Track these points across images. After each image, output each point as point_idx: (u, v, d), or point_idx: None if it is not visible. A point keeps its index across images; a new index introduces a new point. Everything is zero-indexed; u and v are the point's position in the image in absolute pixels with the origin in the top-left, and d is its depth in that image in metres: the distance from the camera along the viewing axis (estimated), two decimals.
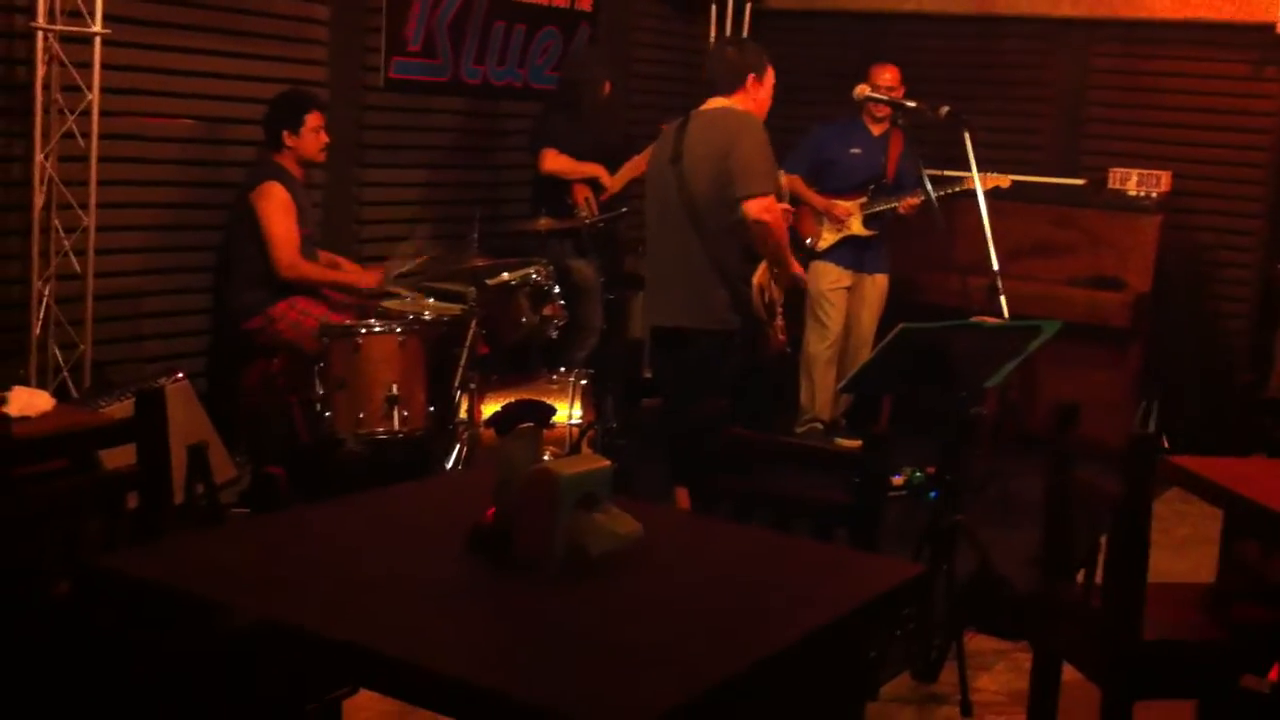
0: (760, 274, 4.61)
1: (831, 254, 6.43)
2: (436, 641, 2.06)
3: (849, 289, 6.47)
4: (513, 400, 2.50)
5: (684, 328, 4.64)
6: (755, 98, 4.70)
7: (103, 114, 4.84)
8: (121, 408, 4.35)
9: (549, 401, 4.98)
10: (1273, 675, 2.45)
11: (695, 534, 2.73)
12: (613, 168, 6.22)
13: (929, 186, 5.34)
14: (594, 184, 6.17)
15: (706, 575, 2.42)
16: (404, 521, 2.62)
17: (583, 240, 6.06)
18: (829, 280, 6.41)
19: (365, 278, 5.37)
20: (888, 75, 6.29)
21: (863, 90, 5.79)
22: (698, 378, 4.66)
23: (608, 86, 6.31)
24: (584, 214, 5.98)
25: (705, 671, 1.98)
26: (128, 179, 5.16)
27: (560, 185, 6.12)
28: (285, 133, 5.17)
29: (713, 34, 7.73)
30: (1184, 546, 5.07)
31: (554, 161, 6.06)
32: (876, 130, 6.43)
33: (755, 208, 4.47)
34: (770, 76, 4.73)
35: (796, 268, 4.84)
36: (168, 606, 2.24)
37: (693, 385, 4.67)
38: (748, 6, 7.79)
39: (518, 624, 2.16)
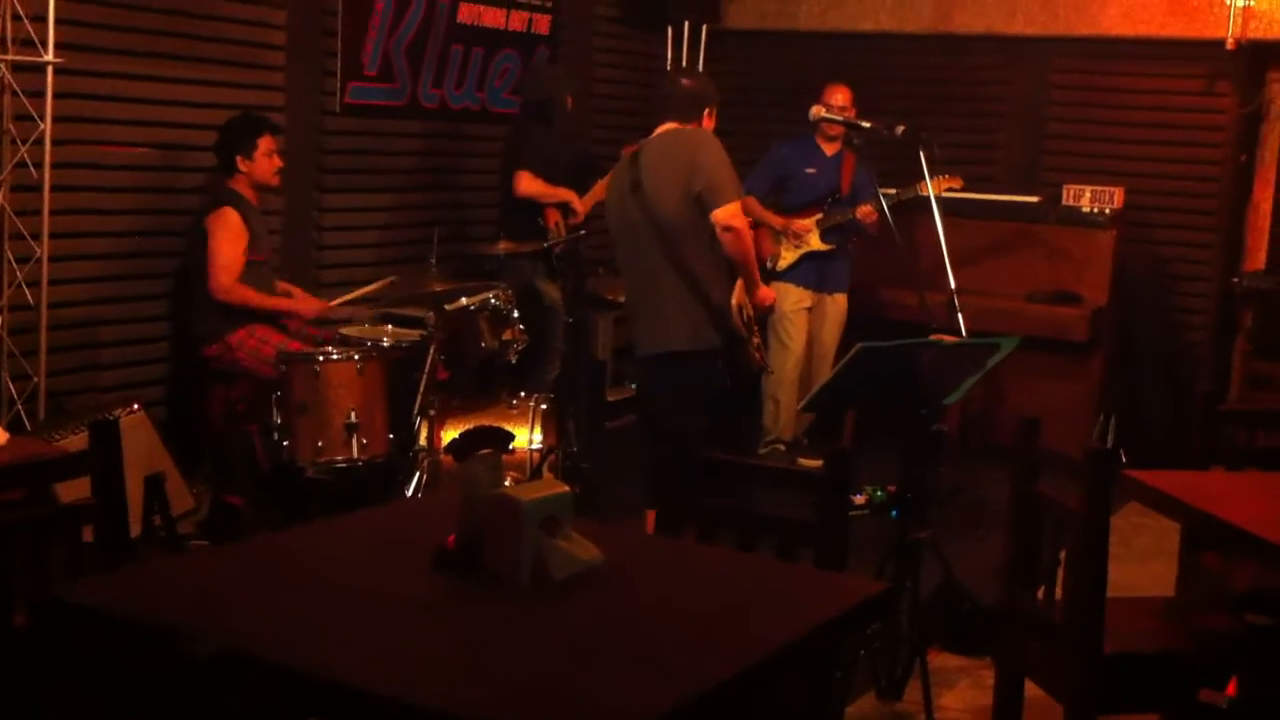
0: (738, 292, 4.63)
1: (792, 274, 6.45)
2: (404, 669, 2.04)
3: (810, 309, 6.50)
4: (471, 427, 2.49)
5: (670, 351, 4.64)
6: (708, 129, 4.76)
7: (56, 143, 4.80)
8: (77, 440, 4.31)
9: (509, 426, 5.02)
10: (1230, 690, 2.46)
11: (660, 554, 2.73)
12: (582, 183, 6.24)
13: (884, 203, 5.37)
14: (564, 207, 6.18)
15: (672, 595, 2.42)
16: (366, 547, 2.61)
17: (552, 262, 6.07)
18: (790, 301, 6.43)
19: (307, 305, 5.33)
20: (840, 95, 6.33)
21: (818, 111, 5.83)
22: (685, 398, 4.66)
23: (570, 101, 6.32)
24: (554, 237, 5.99)
25: (683, 684, 1.99)
26: (82, 208, 5.13)
27: (531, 208, 6.12)
28: (238, 157, 5.14)
29: (669, 54, 7.76)
30: (1144, 558, 5.10)
31: (529, 185, 6.05)
32: (830, 150, 6.47)
33: (723, 215, 4.49)
34: (715, 112, 4.80)
35: (764, 288, 4.85)
36: (129, 636, 2.22)
37: (680, 406, 4.67)
38: (704, 27, 7.82)
39: (487, 647, 2.15)
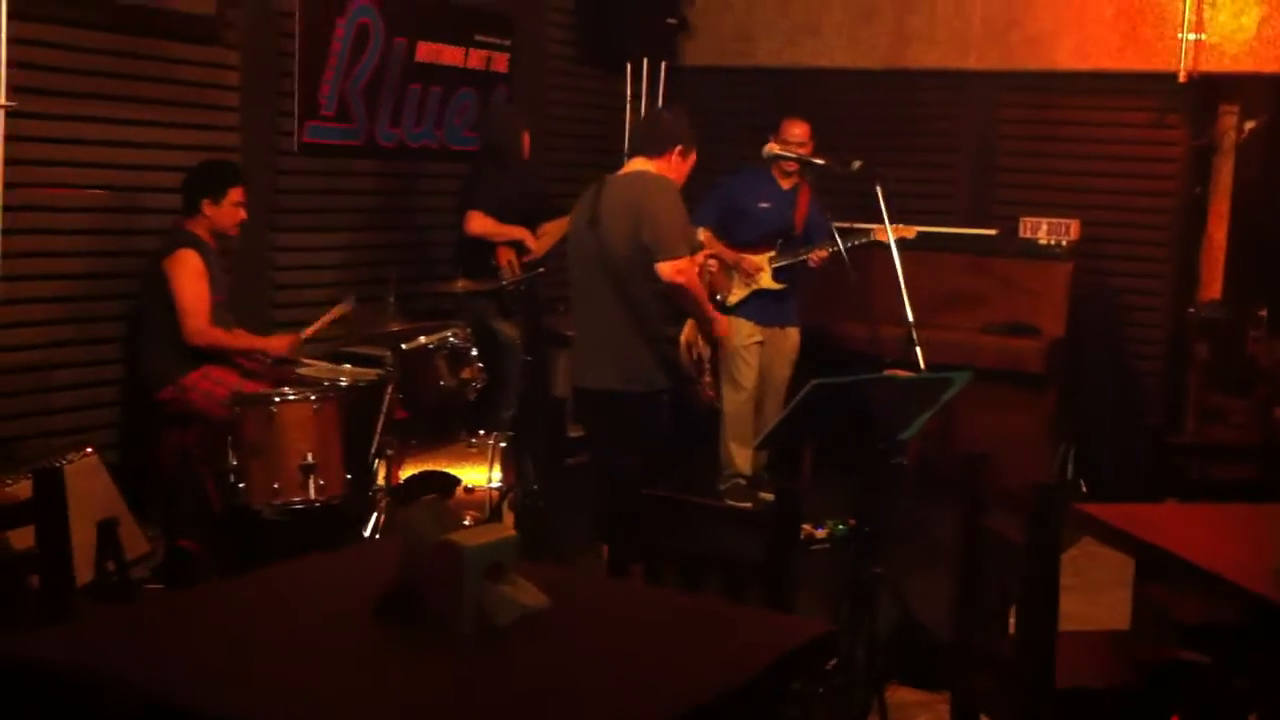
0: (688, 331, 4.64)
1: (743, 309, 6.45)
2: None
3: (761, 344, 6.50)
4: (415, 472, 2.48)
5: (612, 390, 4.64)
6: (676, 168, 4.77)
7: (7, 186, 4.77)
8: (28, 486, 4.25)
9: (468, 465, 5.01)
10: None
11: (607, 597, 2.72)
12: (537, 220, 6.24)
13: (838, 240, 5.39)
14: (518, 246, 6.19)
15: (618, 639, 2.41)
16: (313, 594, 2.58)
17: (506, 301, 6.07)
18: (742, 336, 6.43)
19: (275, 343, 5.31)
20: (798, 130, 6.35)
21: (772, 148, 5.86)
22: (627, 438, 4.66)
23: (526, 139, 6.33)
24: (507, 276, 5.99)
25: None
26: (34, 251, 5.09)
27: (485, 247, 6.12)
28: (206, 201, 5.12)
29: (628, 92, 7.79)
30: (1100, 590, 5.10)
31: (479, 224, 6.06)
32: (785, 184, 6.49)
33: (668, 270, 4.51)
34: (693, 158, 4.80)
35: (719, 325, 4.86)
36: (60, 690, 2.19)
37: (622, 445, 4.67)
38: (663, 64, 7.86)
39: (432, 694, 2.13)
